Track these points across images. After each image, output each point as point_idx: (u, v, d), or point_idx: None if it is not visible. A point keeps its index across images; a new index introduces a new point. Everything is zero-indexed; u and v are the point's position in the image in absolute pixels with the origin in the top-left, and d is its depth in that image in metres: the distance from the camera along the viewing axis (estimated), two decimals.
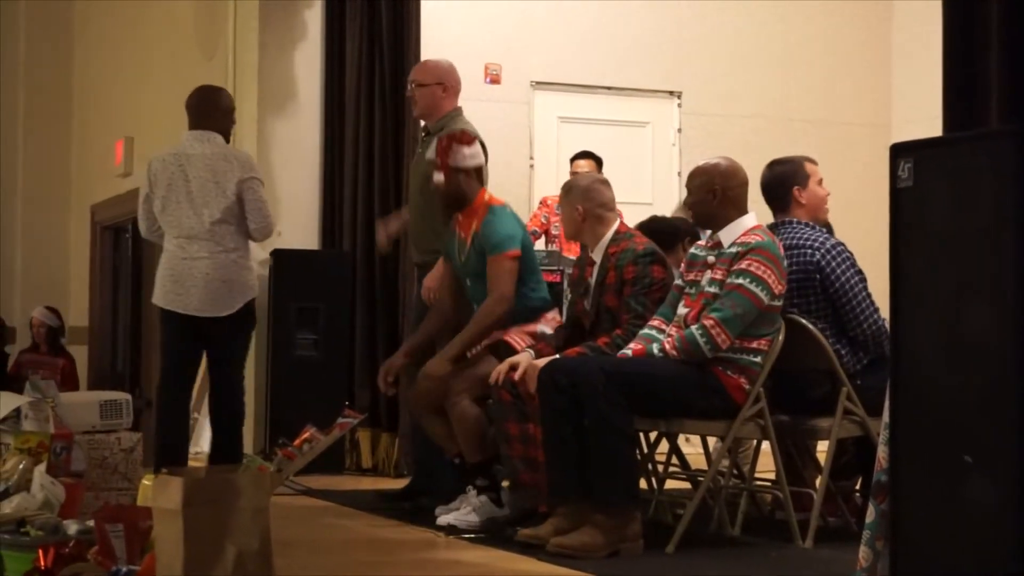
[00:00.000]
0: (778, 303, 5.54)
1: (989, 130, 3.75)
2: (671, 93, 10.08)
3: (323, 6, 8.98)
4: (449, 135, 6.37)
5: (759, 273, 5.46)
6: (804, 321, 5.69)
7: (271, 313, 8.74)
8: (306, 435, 3.33)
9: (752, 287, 5.45)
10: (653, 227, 6.71)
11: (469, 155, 6.23)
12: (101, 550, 3.56)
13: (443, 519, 6.04)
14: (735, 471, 6.31)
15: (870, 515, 4.11)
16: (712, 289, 5.54)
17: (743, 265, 5.49)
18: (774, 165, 6.08)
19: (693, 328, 5.45)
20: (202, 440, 9.35)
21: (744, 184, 5.67)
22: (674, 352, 5.44)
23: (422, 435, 6.66)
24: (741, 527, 5.84)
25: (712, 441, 6.46)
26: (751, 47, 10.26)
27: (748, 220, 5.62)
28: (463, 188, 6.22)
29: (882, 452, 4.08)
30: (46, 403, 4.80)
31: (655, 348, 5.51)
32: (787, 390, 5.82)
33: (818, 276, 5.76)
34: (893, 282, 3.82)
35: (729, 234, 5.60)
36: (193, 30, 10.08)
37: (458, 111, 6.76)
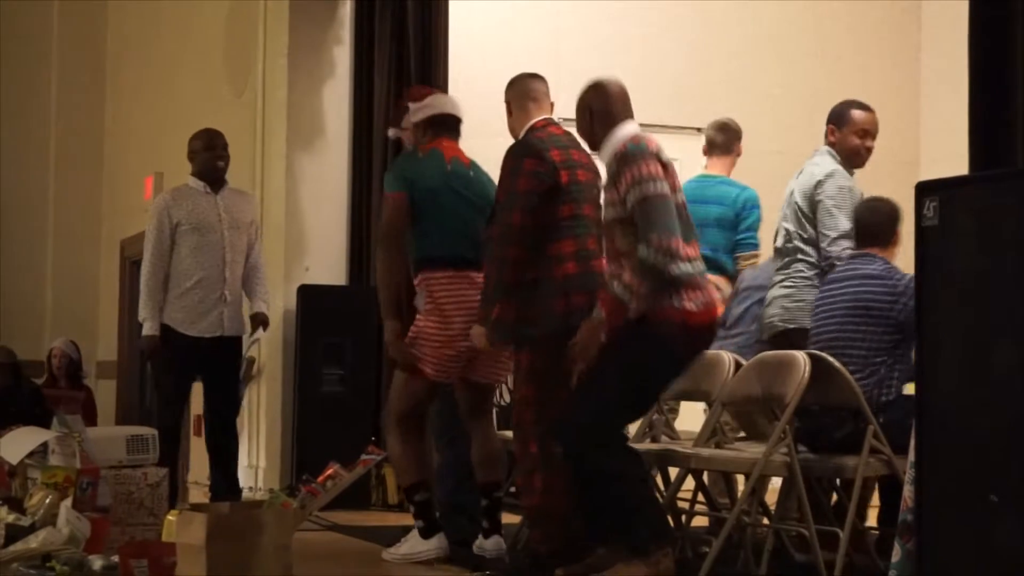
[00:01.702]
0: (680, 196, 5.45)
1: (1013, 170, 3.75)
2: (698, 130, 10.08)
3: (352, 44, 9.03)
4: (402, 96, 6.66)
5: (643, 173, 5.31)
6: (830, 358, 5.67)
7: (298, 348, 8.76)
8: (330, 472, 3.33)
9: (650, 187, 5.30)
10: None
11: (413, 110, 6.36)
12: None
13: (385, 553, 6.11)
14: (760, 508, 6.27)
15: (896, 555, 4.11)
16: (612, 213, 5.44)
17: (627, 178, 5.33)
18: (881, 202, 6.07)
19: (641, 249, 5.26)
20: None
21: (615, 96, 5.61)
22: (630, 300, 5.31)
23: (446, 471, 6.67)
24: (767, 566, 5.80)
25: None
26: (777, 84, 10.24)
27: (624, 130, 5.54)
28: (414, 140, 6.37)
29: (908, 492, 4.07)
30: (73, 438, 4.81)
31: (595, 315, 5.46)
32: (810, 427, 5.80)
33: (896, 308, 5.70)
34: (919, 320, 3.82)
35: (607, 152, 5.53)
36: (223, 68, 10.14)
37: None
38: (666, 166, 5.40)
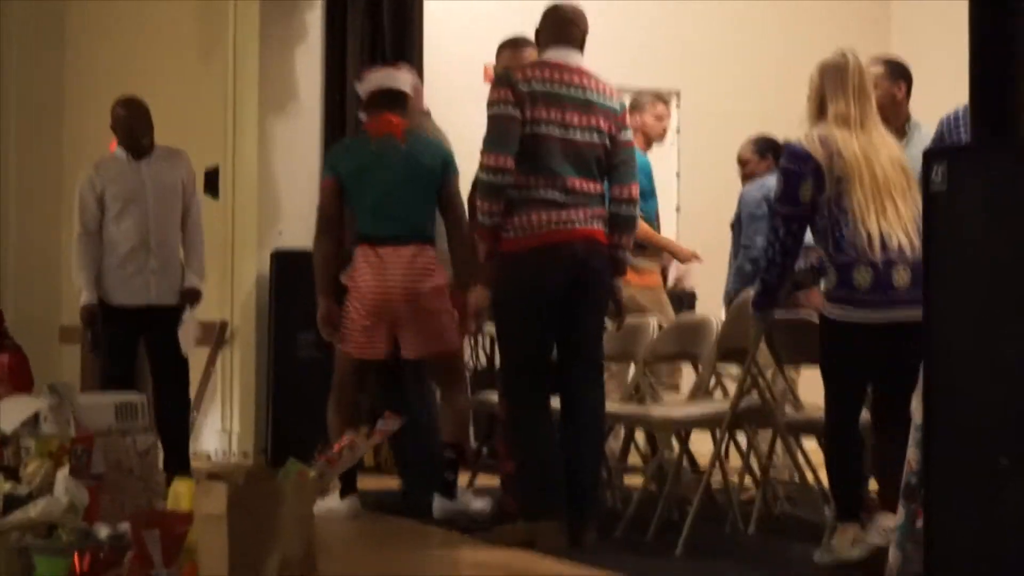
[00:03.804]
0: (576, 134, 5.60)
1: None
2: (669, 92, 10.08)
3: (324, 7, 8.94)
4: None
5: (490, 97, 5.61)
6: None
7: (272, 313, 8.71)
8: (346, 441, 3.31)
9: (490, 110, 5.59)
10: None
11: (359, 91, 6.69)
12: (138, 556, 3.55)
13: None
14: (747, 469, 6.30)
15: (900, 517, 4.13)
16: None
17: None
18: None
19: None
20: (202, 438, 9.34)
21: (556, 21, 5.72)
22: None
23: (405, 434, 6.73)
24: (756, 525, 5.82)
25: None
26: (750, 47, 10.25)
27: (543, 55, 5.73)
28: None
29: (912, 454, 4.09)
30: (67, 406, 4.77)
31: None
32: None
33: None
34: (926, 283, 3.84)
35: None
36: (193, 32, 10.04)
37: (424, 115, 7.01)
38: (536, 96, 5.51)
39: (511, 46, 6.29)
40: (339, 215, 6.46)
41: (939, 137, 5.57)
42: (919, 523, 4.17)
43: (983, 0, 4.12)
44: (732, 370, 7.10)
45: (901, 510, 4.06)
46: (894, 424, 5.01)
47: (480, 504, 6.34)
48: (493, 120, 5.57)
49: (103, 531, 3.84)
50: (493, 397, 6.61)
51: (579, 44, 5.71)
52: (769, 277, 5.08)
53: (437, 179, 6.36)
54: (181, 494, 3.82)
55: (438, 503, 6.30)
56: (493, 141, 5.53)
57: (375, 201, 6.34)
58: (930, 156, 3.74)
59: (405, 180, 6.34)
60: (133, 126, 7.39)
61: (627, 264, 5.79)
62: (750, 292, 5.38)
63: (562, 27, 5.71)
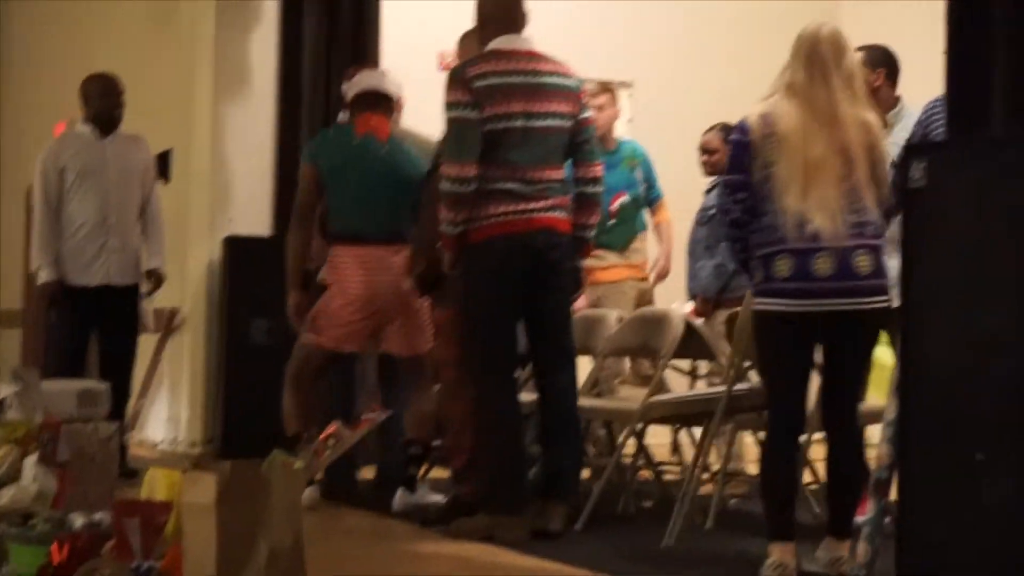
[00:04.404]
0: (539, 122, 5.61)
1: (1003, 135, 3.79)
2: (622, 83, 10.09)
3: None
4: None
5: (447, 99, 5.59)
6: None
7: (224, 300, 8.65)
8: (332, 430, 3.30)
9: (448, 113, 5.57)
10: None
11: (344, 92, 6.62)
12: (119, 545, 3.52)
13: None
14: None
15: (870, 511, 4.16)
16: None
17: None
18: None
19: None
20: (148, 426, 9.28)
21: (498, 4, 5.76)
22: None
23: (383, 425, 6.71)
24: (714, 520, 5.84)
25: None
26: (703, 37, 10.29)
27: (489, 45, 5.69)
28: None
29: (883, 449, 4.12)
30: (33, 391, 4.73)
31: None
32: None
33: None
34: (905, 279, 3.87)
35: None
36: (147, 15, 9.95)
37: None
38: (494, 90, 5.50)
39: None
40: (315, 206, 6.40)
41: (921, 124, 5.37)
42: (888, 519, 4.20)
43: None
44: (681, 365, 7.14)
45: (871, 504, 4.09)
46: (838, 430, 4.69)
47: (435, 497, 6.34)
48: (452, 125, 5.57)
49: (79, 520, 3.81)
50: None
51: (524, 27, 5.72)
52: (737, 259, 4.90)
53: (415, 191, 6.28)
54: (156, 481, 3.79)
55: (399, 497, 6.28)
56: (454, 150, 5.54)
57: (356, 197, 6.30)
58: (909, 152, 3.77)
59: (386, 181, 6.32)
60: (107, 98, 7.40)
61: (590, 243, 5.83)
62: None
63: (508, 12, 5.72)
